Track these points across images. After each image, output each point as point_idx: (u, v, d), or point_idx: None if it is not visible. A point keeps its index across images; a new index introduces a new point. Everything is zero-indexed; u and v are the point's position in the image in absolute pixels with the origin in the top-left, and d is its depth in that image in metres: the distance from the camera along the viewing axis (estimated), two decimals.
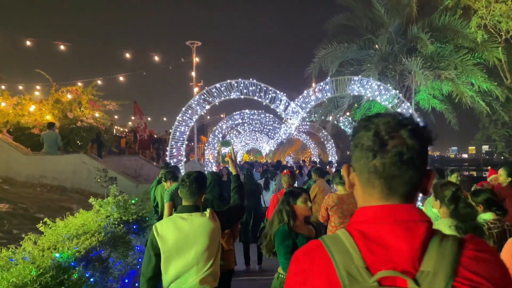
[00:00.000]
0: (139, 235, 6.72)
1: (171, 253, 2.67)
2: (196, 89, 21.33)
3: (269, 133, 25.66)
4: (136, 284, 6.21)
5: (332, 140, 22.99)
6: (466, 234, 2.55)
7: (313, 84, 9.54)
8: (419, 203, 5.62)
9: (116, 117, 27.33)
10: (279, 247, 3.03)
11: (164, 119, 42.96)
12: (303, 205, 3.23)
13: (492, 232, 3.15)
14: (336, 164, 18.67)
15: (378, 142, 0.94)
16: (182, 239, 2.69)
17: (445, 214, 2.92)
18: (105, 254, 4.73)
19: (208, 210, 2.88)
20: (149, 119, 32.55)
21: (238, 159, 29.62)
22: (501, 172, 4.72)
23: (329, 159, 23.24)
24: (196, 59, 21.95)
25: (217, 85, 9.42)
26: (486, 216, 3.28)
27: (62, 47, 18.80)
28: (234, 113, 17.97)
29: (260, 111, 18.09)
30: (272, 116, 18.71)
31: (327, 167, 16.26)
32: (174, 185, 5.60)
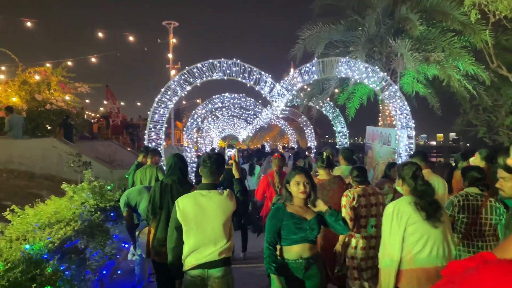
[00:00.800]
0: (117, 223, 6.33)
1: (190, 226, 3.00)
2: (173, 72, 20.72)
3: (248, 118, 25.31)
4: (116, 274, 5.87)
5: (311, 126, 22.91)
6: (423, 209, 2.92)
7: (291, 70, 9.20)
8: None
9: (87, 101, 26.39)
10: (266, 223, 3.14)
11: (138, 104, 41.93)
12: (295, 188, 3.09)
13: (469, 204, 3.57)
14: (315, 150, 18.62)
15: None
16: (201, 214, 3.01)
17: (406, 191, 3.16)
18: (81, 244, 4.34)
19: (227, 190, 3.17)
20: (122, 103, 31.80)
21: (214, 145, 29.19)
22: (476, 155, 5.01)
23: (308, 144, 23.22)
24: (173, 40, 21.29)
25: (199, 65, 8.99)
26: (469, 190, 3.68)
27: (28, 24, 17.71)
28: (213, 96, 17.47)
29: (240, 94, 17.68)
30: (253, 100, 18.33)
31: (306, 152, 16.18)
32: (130, 191, 5.19)
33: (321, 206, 3.07)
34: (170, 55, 21.61)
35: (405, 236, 2.99)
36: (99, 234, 4.94)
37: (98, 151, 15.69)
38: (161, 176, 6.37)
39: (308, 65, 9.13)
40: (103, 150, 16.29)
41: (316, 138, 24.78)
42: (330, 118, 16.59)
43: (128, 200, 5.09)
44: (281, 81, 9.24)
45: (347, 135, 16.71)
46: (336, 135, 16.94)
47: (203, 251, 2.99)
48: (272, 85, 9.18)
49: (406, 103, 9.10)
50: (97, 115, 28.20)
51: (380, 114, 12.69)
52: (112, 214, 6.19)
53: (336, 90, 13.62)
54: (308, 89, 13.58)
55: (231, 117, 26.75)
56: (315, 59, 9.40)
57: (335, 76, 10.45)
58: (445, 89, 14.04)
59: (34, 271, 2.89)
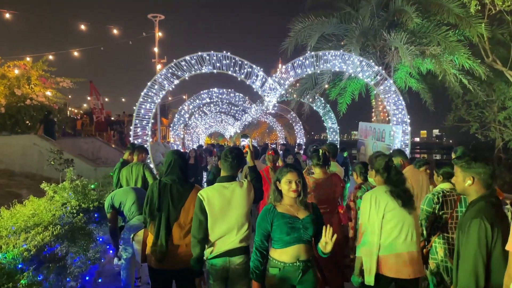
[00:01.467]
0: (101, 224, 5.98)
1: (216, 217, 3.13)
2: (159, 66, 20.30)
3: (236, 115, 24.98)
4: (100, 280, 5.53)
5: (300, 122, 22.71)
6: (399, 197, 3.13)
7: (279, 65, 8.96)
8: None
9: (70, 96, 25.81)
10: (256, 225, 3.04)
11: (123, 100, 41.19)
12: (286, 186, 2.96)
13: (446, 199, 3.70)
14: (304, 146, 18.40)
15: None
16: (226, 205, 3.16)
17: (380, 181, 3.33)
18: (61, 250, 4.00)
19: (246, 180, 3.35)
20: (106, 99, 31.25)
21: (201, 142, 28.78)
22: (453, 154, 5.38)
23: (297, 141, 23.00)
24: (159, 34, 20.81)
25: (187, 57, 8.66)
26: (443, 186, 3.84)
27: (7, 15, 17.08)
28: (201, 91, 17.12)
29: (229, 90, 17.36)
30: (242, 95, 18.04)
31: (295, 149, 15.95)
32: (115, 192, 4.91)
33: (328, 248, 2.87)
34: (156, 49, 21.13)
35: (383, 223, 3.15)
36: (82, 237, 4.62)
37: (81, 148, 15.38)
38: (148, 174, 6.06)
39: (301, 58, 8.87)
40: (86, 147, 15.93)
41: (304, 134, 24.59)
42: (321, 114, 16.38)
43: (112, 201, 4.80)
44: (273, 75, 8.96)
45: (338, 131, 16.53)
46: (327, 131, 16.74)
47: (225, 240, 3.16)
48: (264, 79, 8.90)
49: (401, 97, 8.91)
50: (81, 111, 27.68)
51: (373, 110, 12.51)
52: (96, 215, 5.84)
53: (326, 86, 13.38)
54: (298, 84, 13.30)
55: (218, 113, 26.37)
56: (308, 52, 9.11)
57: (329, 70, 10.20)
58: (436, 85, 13.98)
59: (6, 284, 2.56)
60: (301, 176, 3.02)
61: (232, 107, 23.28)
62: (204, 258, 3.20)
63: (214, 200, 3.16)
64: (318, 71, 9.38)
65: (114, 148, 16.81)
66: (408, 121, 8.95)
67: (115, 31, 20.19)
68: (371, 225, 3.18)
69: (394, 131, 8.76)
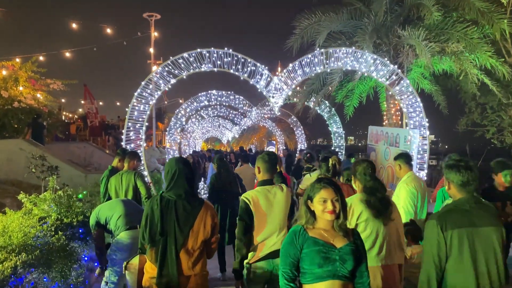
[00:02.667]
0: (86, 241, 5.31)
1: (262, 220, 3.21)
2: (154, 68, 19.60)
3: (235, 119, 24.39)
4: None
5: (301, 127, 22.13)
6: (374, 207, 3.08)
7: (278, 69, 8.39)
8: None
9: (63, 100, 25.27)
10: (281, 251, 2.50)
11: (118, 103, 40.57)
12: (320, 206, 2.39)
13: None
14: (305, 151, 17.73)
15: None
16: (269, 207, 3.25)
17: (359, 188, 3.31)
18: (33, 278, 3.33)
19: (283, 185, 3.48)
20: (100, 103, 30.80)
21: (198, 147, 28.21)
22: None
23: (299, 146, 22.39)
24: (154, 34, 20.22)
25: (185, 54, 8.05)
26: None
27: None
28: (199, 94, 16.50)
29: (229, 92, 16.76)
30: (242, 98, 17.45)
31: (297, 154, 15.33)
32: (101, 207, 4.34)
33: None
34: (151, 50, 20.54)
35: None
36: (61, 260, 3.95)
37: (72, 153, 14.96)
38: (140, 183, 5.42)
39: (309, 56, 8.27)
40: (78, 152, 15.49)
41: (305, 139, 24.01)
42: (325, 118, 15.78)
43: (98, 217, 4.18)
44: (279, 74, 8.35)
45: (343, 135, 15.91)
46: (332, 136, 16.13)
47: (269, 243, 3.24)
48: (269, 79, 8.28)
49: (419, 99, 8.30)
50: (75, 116, 27.22)
51: (385, 113, 11.89)
52: (80, 230, 5.19)
53: (331, 87, 12.80)
54: (304, 87, 12.71)
55: (216, 117, 25.79)
56: (317, 49, 8.49)
57: (339, 69, 9.58)
58: (449, 86, 13.39)
59: None
60: (339, 193, 2.43)
61: (231, 111, 22.71)
62: (245, 262, 3.24)
63: (260, 203, 3.24)
64: (328, 70, 8.77)
65: (108, 153, 16.27)
66: (427, 124, 8.34)
67: (108, 31, 19.58)
68: None
69: (410, 135, 8.15)
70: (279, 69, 7.97)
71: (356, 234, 2.53)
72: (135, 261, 3.07)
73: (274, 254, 3.16)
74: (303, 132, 22.45)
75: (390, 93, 10.85)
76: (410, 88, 8.35)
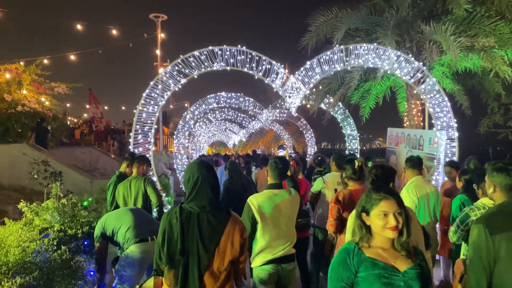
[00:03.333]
0: (92, 254, 4.90)
1: (267, 223, 3.24)
2: (161, 70, 19.18)
3: (243, 122, 24.01)
4: None
5: (311, 130, 21.69)
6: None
7: (286, 70, 7.97)
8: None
9: (68, 105, 25.12)
10: (329, 274, 2.11)
11: (123, 108, 40.42)
12: (380, 222, 1.99)
13: None
14: (317, 155, 17.24)
15: None
16: (276, 211, 3.29)
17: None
18: None
19: (292, 189, 3.55)
20: (105, 108, 30.70)
21: (203, 152, 27.84)
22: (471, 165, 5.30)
23: (309, 150, 21.92)
24: (161, 35, 19.88)
25: (196, 52, 7.66)
26: (484, 200, 3.42)
27: None
28: (208, 96, 16.13)
29: (238, 94, 16.36)
30: (252, 100, 17.03)
31: (307, 159, 14.86)
32: (107, 216, 4.06)
33: None
34: (158, 52, 20.21)
35: None
36: (64, 278, 3.54)
37: (77, 158, 14.81)
38: (150, 190, 5.01)
39: (328, 53, 7.83)
40: (83, 157, 15.32)
41: (315, 143, 23.56)
42: (339, 120, 15.32)
43: (104, 228, 3.79)
44: (296, 73, 7.92)
45: (358, 138, 15.44)
46: (346, 138, 15.66)
47: (276, 246, 3.26)
48: (285, 77, 7.85)
49: (446, 98, 7.82)
50: (80, 121, 27.14)
51: (406, 114, 11.40)
52: (85, 242, 4.78)
53: (348, 87, 12.34)
54: (320, 87, 12.27)
55: (223, 120, 25.43)
56: (336, 46, 8.06)
57: (359, 68, 9.13)
58: (470, 86, 12.89)
59: None
60: (402, 205, 2.02)
61: (239, 114, 22.34)
62: (252, 266, 3.28)
63: (265, 205, 3.25)
64: (349, 68, 8.33)
65: (113, 158, 16.00)
66: (455, 125, 7.84)
67: (114, 32, 19.29)
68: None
69: (437, 137, 7.67)
70: (286, 71, 7.61)
71: (419, 254, 2.11)
72: (149, 283, 2.64)
73: (283, 259, 3.26)
74: (313, 135, 22.02)
75: (414, 92, 10.37)
76: (436, 86, 7.87)
